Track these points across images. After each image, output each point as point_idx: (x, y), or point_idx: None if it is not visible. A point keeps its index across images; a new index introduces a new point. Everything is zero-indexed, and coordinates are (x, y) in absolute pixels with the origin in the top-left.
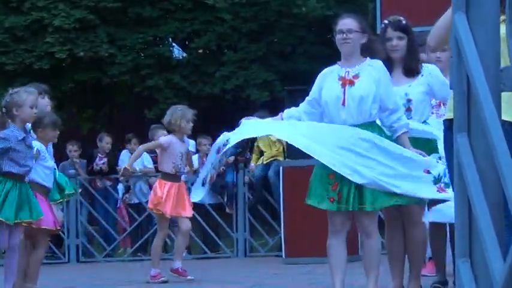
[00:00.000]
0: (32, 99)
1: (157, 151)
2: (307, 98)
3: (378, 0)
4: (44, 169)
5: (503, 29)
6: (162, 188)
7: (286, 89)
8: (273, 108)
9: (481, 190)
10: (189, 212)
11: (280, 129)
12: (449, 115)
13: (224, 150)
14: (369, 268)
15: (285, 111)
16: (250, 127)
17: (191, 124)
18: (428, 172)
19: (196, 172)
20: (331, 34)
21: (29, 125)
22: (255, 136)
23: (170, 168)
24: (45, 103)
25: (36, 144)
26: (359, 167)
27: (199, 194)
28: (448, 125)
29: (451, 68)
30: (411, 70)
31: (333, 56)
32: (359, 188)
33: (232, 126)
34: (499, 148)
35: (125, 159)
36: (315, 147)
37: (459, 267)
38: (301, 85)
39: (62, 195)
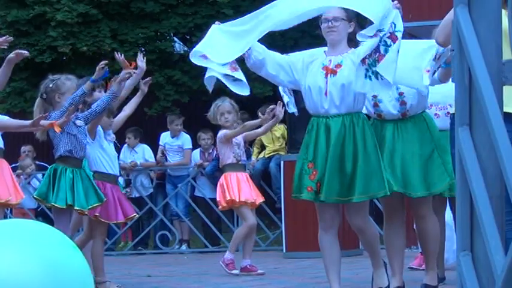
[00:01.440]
0: (74, 88)
1: (219, 145)
2: (294, 62)
3: None
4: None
5: (505, 22)
6: (228, 180)
7: None
8: (275, 101)
9: (482, 183)
10: (260, 197)
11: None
12: None
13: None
14: (372, 258)
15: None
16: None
17: (226, 116)
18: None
19: (200, 166)
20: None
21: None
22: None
23: (231, 158)
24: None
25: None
26: None
27: (242, 88)
28: (454, 119)
29: (453, 61)
30: None
31: None
32: (340, 178)
33: None
34: (500, 141)
35: (125, 154)
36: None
37: (460, 260)
38: None
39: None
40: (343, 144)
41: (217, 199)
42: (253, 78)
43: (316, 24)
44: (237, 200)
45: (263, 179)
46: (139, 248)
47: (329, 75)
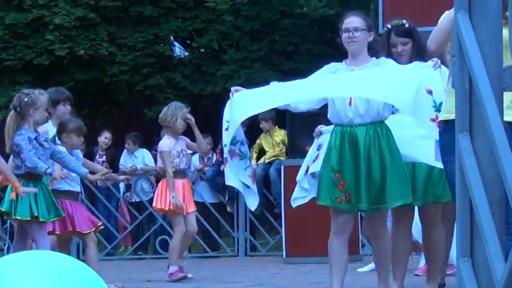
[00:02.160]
0: (47, 102)
1: (158, 154)
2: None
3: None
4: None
5: (505, 32)
6: (164, 186)
7: None
8: (275, 108)
9: (482, 189)
10: (192, 208)
11: (273, 98)
12: (446, 116)
13: (230, 143)
14: (380, 269)
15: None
16: (243, 109)
17: (183, 123)
18: (430, 92)
19: (200, 171)
20: (332, 33)
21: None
22: (252, 114)
23: (171, 167)
24: (66, 111)
25: (61, 149)
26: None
27: (252, 200)
28: (444, 126)
29: (453, 67)
30: None
31: (334, 55)
32: (369, 186)
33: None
34: (501, 147)
35: (125, 159)
36: (310, 91)
37: (460, 267)
38: None
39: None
40: (369, 154)
41: (154, 204)
42: (253, 84)
43: (316, 30)
44: (166, 208)
45: (262, 183)
46: (139, 252)
47: None
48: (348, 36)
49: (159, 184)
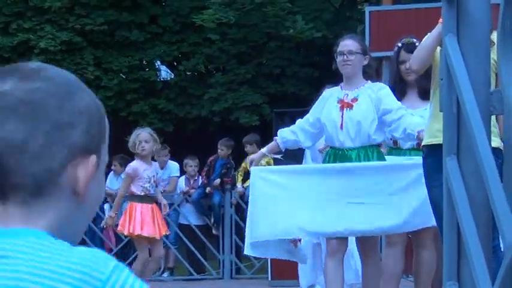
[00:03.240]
0: None
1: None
2: (307, 117)
3: (367, 23)
4: None
5: (493, 55)
6: (133, 211)
7: (275, 112)
8: (262, 130)
9: (470, 212)
10: (160, 233)
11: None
12: (430, 141)
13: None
14: None
15: (279, 134)
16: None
17: (143, 144)
18: None
19: (186, 193)
20: (319, 56)
21: None
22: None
23: (140, 190)
24: None
25: None
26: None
27: (301, 259)
28: (428, 151)
29: (441, 90)
30: (426, 92)
31: (321, 78)
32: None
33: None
34: (488, 171)
35: (112, 181)
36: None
37: None
38: (289, 107)
39: None
40: None
41: (120, 226)
42: (240, 107)
43: (303, 53)
44: (135, 234)
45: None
46: None
47: (345, 109)
48: (342, 59)
49: (127, 208)
